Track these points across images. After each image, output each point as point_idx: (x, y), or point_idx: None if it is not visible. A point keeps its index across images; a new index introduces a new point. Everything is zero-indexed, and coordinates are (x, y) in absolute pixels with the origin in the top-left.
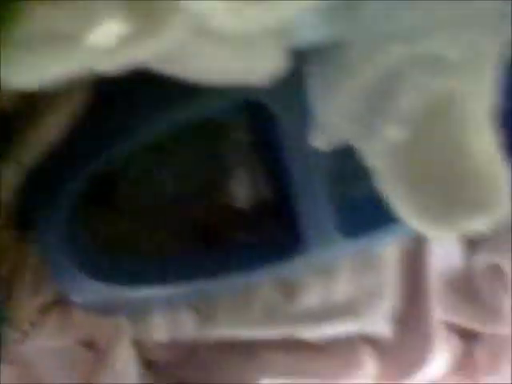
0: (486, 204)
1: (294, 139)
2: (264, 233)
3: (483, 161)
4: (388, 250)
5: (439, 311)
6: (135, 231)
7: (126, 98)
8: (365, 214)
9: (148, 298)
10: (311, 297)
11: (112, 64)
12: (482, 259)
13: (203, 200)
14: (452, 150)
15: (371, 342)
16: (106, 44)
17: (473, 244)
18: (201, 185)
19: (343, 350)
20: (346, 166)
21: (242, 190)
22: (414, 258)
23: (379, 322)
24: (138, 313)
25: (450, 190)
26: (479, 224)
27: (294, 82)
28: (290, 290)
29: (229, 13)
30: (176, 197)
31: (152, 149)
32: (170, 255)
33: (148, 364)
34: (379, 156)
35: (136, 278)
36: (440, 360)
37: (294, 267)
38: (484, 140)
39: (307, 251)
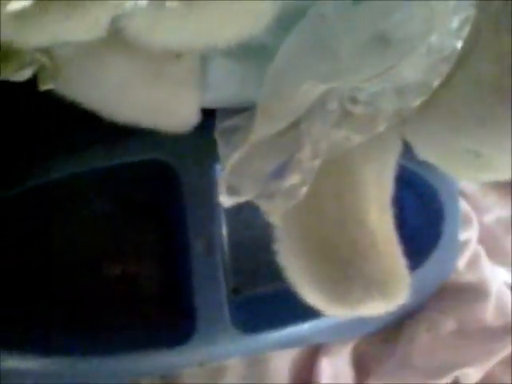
0: (386, 288)
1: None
2: (154, 317)
3: (384, 241)
4: (279, 365)
5: None
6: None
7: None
8: (265, 311)
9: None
10: None
11: None
12: None
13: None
14: (349, 220)
15: None
16: None
17: (363, 368)
18: (91, 256)
19: None
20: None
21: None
22: (305, 377)
23: None
24: None
25: (349, 265)
26: (378, 307)
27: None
28: None
29: None
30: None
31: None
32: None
33: None
34: (279, 214)
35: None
36: None
37: (181, 357)
38: (384, 220)
39: (197, 340)
